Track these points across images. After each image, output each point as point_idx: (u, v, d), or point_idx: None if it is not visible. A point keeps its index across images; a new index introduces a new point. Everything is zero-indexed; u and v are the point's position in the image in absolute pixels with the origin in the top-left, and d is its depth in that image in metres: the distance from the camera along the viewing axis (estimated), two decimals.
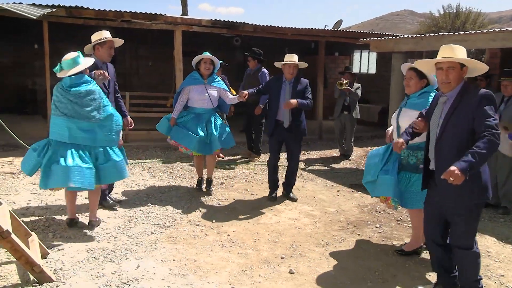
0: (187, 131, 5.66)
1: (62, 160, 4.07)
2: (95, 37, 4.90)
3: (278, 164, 5.94)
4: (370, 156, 4.38)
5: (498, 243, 4.60)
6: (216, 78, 5.90)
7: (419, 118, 3.52)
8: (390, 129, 4.33)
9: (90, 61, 4.43)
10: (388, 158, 4.15)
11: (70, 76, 4.21)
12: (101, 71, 4.68)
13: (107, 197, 5.26)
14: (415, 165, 3.93)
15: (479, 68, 3.19)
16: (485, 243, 4.58)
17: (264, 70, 8.05)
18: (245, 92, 5.64)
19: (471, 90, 3.08)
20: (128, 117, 5.38)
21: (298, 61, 5.57)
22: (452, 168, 2.74)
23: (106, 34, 4.92)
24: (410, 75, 3.98)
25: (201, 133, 5.64)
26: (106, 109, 4.34)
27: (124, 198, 5.65)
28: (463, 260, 3.27)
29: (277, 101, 5.60)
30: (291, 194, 5.93)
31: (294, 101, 5.43)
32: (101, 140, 4.30)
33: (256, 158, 8.23)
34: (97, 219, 4.67)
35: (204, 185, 6.18)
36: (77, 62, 4.24)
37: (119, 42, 5.04)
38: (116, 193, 5.74)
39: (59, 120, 4.20)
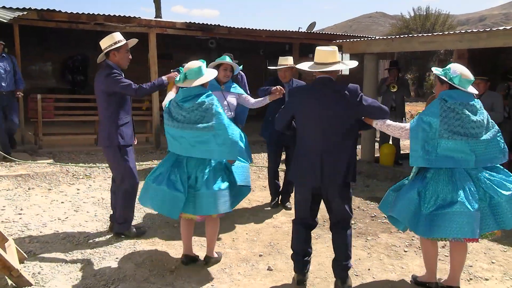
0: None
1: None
2: (107, 41, 4.25)
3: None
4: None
5: None
6: (233, 84, 5.11)
7: None
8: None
9: (213, 73, 3.88)
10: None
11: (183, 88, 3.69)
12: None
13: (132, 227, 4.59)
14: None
15: None
16: None
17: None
18: (279, 87, 4.90)
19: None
20: None
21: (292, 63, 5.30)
22: None
23: (118, 37, 4.29)
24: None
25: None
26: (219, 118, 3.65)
27: (104, 201, 5.64)
28: None
29: (280, 106, 5.13)
30: (287, 204, 5.65)
31: None
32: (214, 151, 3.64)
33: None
34: (216, 255, 4.04)
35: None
36: (202, 72, 3.70)
37: (133, 42, 4.43)
38: (94, 196, 5.73)
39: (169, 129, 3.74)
